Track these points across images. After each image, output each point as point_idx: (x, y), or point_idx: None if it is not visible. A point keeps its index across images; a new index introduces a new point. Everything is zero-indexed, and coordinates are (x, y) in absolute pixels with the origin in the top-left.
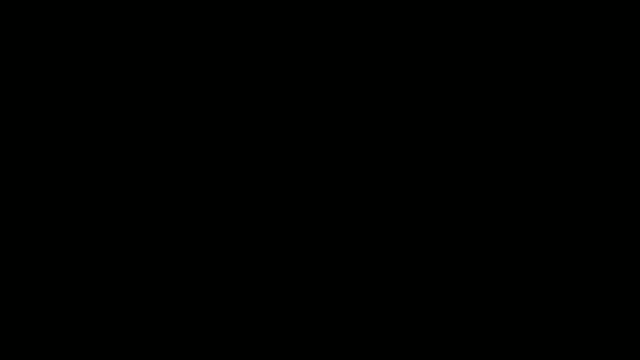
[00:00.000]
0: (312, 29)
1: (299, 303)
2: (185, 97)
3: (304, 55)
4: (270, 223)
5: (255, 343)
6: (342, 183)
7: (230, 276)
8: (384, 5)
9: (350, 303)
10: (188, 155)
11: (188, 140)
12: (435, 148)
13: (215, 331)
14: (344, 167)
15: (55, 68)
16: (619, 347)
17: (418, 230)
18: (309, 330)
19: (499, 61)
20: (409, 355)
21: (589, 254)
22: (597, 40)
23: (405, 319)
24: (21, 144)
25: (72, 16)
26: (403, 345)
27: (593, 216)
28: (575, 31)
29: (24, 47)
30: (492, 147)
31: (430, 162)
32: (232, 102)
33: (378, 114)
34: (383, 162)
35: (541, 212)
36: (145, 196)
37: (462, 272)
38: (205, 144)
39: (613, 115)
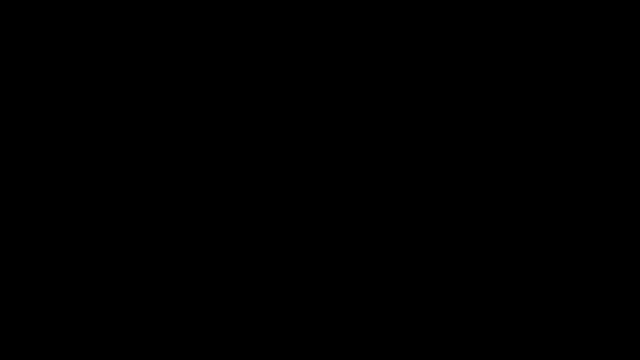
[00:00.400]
0: (312, 29)
1: (299, 303)
2: (185, 97)
3: (304, 55)
4: (270, 223)
5: (255, 343)
6: (342, 183)
7: (230, 276)
8: (384, 5)
9: (350, 303)
10: (188, 155)
11: (188, 140)
12: (435, 148)
13: (215, 331)
14: (344, 167)
15: (55, 68)
16: (619, 347)
17: (418, 230)
18: (309, 330)
19: (499, 61)
20: (409, 356)
21: (589, 254)
22: (597, 40)
23: (405, 319)
24: (21, 144)
25: (72, 16)
26: (403, 346)
27: (593, 216)
28: (576, 31)
29: (24, 47)
30: (492, 147)
31: (430, 162)
32: (232, 102)
33: (378, 114)
34: (383, 162)
35: (541, 212)
36: (145, 196)
37: (462, 272)
38: (205, 144)
39: (613, 115)
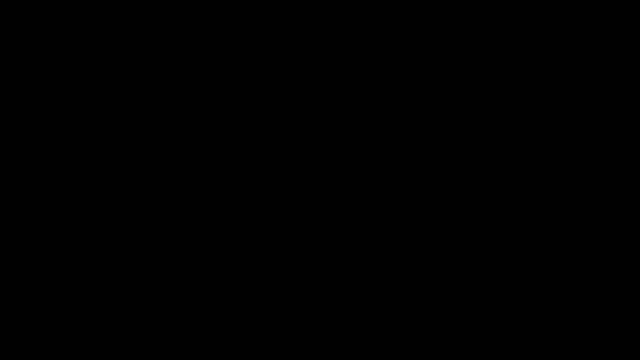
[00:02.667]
0: (312, 29)
1: (299, 303)
2: (185, 97)
3: (304, 55)
4: (270, 223)
5: (255, 343)
6: (342, 183)
7: (230, 276)
8: (384, 5)
9: (351, 303)
10: (188, 156)
11: (188, 140)
12: (435, 148)
13: (215, 331)
14: (344, 167)
15: (55, 68)
16: (619, 347)
17: (418, 231)
18: (309, 330)
19: (499, 61)
20: (409, 356)
21: (589, 254)
22: (597, 40)
23: (405, 319)
24: (21, 144)
25: (72, 16)
26: (403, 346)
27: (593, 216)
28: (576, 31)
29: (24, 47)
30: (492, 147)
31: (430, 162)
32: (232, 102)
33: (378, 114)
34: (383, 162)
35: (541, 212)
36: (145, 196)
37: (462, 272)
38: (205, 144)
39: (613, 115)
